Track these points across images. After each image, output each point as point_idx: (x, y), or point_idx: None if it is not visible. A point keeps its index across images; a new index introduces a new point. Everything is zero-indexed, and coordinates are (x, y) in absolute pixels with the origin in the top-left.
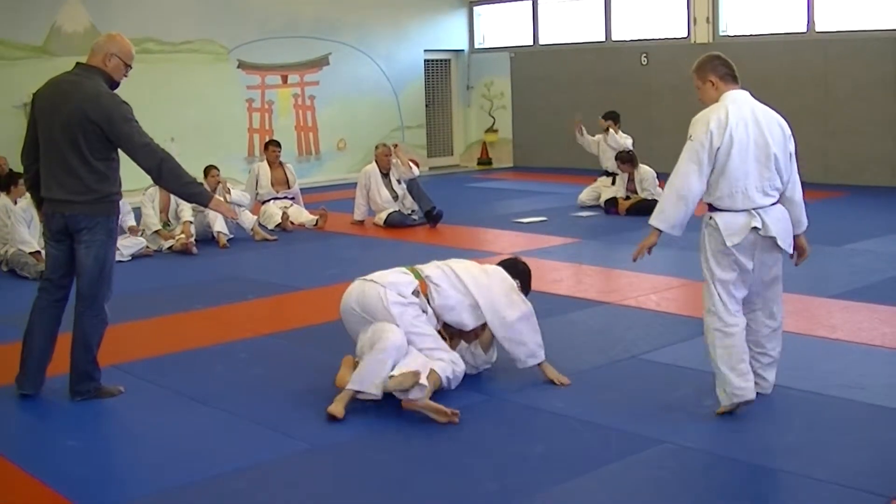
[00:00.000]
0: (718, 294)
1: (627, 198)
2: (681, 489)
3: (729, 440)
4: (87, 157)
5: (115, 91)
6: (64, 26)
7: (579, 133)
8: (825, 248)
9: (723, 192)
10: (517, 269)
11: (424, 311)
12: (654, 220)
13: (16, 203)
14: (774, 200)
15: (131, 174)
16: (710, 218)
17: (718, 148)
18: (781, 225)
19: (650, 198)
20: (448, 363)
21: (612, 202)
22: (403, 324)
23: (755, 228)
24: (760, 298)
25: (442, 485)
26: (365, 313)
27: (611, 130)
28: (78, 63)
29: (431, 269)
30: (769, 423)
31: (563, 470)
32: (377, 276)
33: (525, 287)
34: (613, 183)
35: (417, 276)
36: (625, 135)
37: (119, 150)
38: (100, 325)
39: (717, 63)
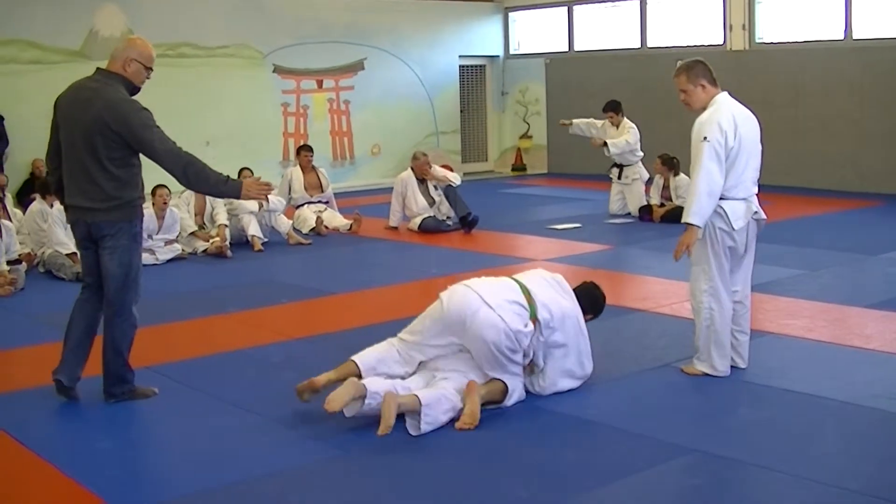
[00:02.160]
0: (718, 275)
1: (662, 205)
2: (712, 498)
3: (761, 449)
4: (106, 165)
5: (136, 96)
6: (101, 31)
7: (568, 124)
8: (860, 258)
9: (729, 183)
10: (596, 303)
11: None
12: (693, 217)
13: (52, 206)
14: (757, 188)
15: (160, 175)
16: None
17: (731, 147)
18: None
19: (685, 205)
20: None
21: (647, 209)
22: (499, 366)
23: (755, 213)
24: (741, 278)
25: (472, 491)
26: (461, 339)
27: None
28: (98, 69)
29: (543, 309)
30: (802, 433)
31: (593, 477)
32: (492, 297)
33: (594, 317)
34: (620, 177)
35: (531, 308)
36: (630, 123)
37: (142, 156)
38: (129, 330)
39: (704, 68)
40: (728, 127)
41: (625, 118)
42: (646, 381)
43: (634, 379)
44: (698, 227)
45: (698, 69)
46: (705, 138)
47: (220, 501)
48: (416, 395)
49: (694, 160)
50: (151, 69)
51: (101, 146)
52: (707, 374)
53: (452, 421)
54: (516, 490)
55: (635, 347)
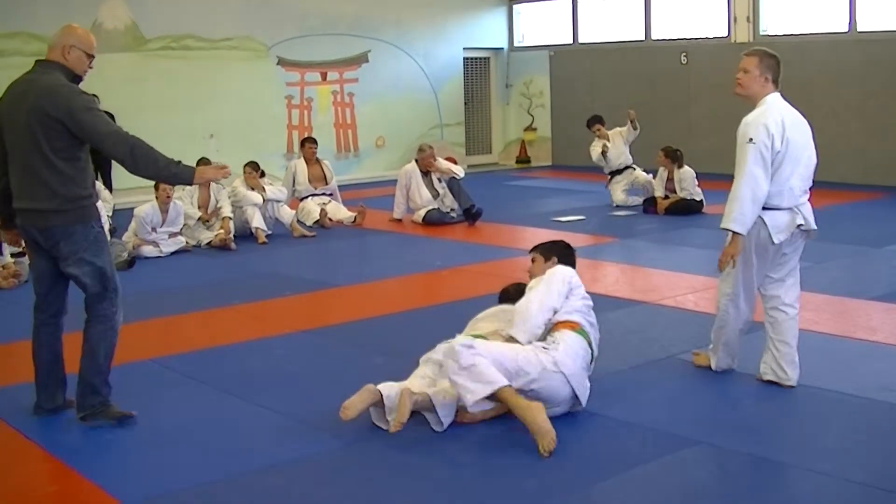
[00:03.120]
0: (744, 285)
1: (666, 197)
2: (717, 490)
3: (766, 441)
4: (51, 158)
5: (80, 85)
6: (105, 23)
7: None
8: (865, 250)
9: (772, 191)
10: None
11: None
12: (734, 224)
13: None
14: (808, 196)
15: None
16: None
17: (778, 151)
18: (812, 216)
19: (689, 198)
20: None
21: (651, 201)
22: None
23: (799, 225)
24: (783, 287)
25: (480, 483)
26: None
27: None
28: (37, 61)
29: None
30: (807, 425)
31: (600, 469)
32: (581, 380)
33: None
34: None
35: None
36: (605, 134)
37: (88, 149)
38: (107, 334)
39: (776, 64)
40: (775, 129)
41: (604, 130)
42: (651, 373)
43: (639, 371)
44: (742, 235)
45: (772, 62)
46: (751, 140)
47: (224, 493)
48: (429, 395)
49: (738, 163)
50: (93, 56)
51: (42, 138)
52: (708, 368)
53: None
54: (525, 482)
55: (640, 340)
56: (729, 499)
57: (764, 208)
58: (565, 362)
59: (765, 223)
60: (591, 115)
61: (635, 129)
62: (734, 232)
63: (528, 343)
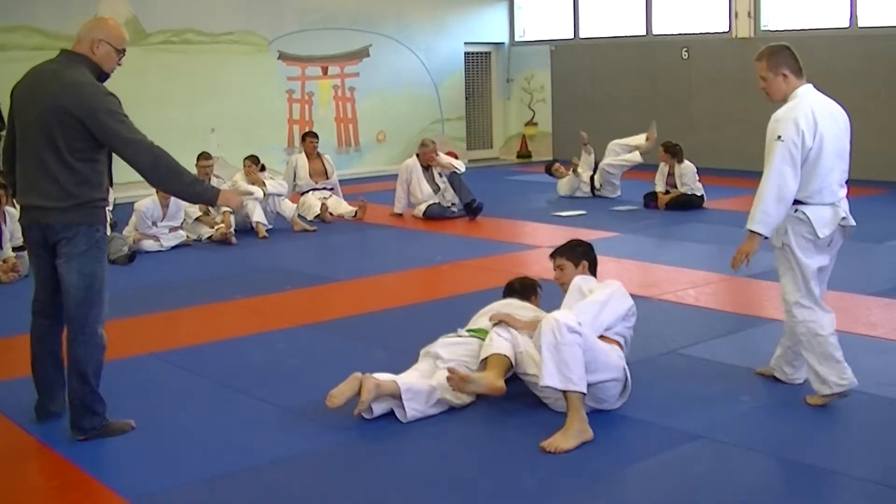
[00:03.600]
0: (806, 285)
1: (667, 192)
2: (717, 484)
3: (765, 436)
4: (66, 157)
5: (104, 83)
6: (105, 17)
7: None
8: (865, 245)
9: (813, 188)
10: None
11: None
12: (758, 225)
13: None
14: (846, 191)
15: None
16: (796, 210)
17: (810, 147)
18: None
19: (689, 193)
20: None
21: (652, 196)
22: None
23: (843, 219)
24: (819, 289)
25: (480, 478)
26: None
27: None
28: (63, 50)
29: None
30: (806, 420)
31: (600, 464)
32: None
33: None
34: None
35: None
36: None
37: (108, 152)
38: (94, 351)
39: (789, 55)
40: (806, 125)
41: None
42: (651, 368)
43: (640, 366)
44: (763, 236)
45: (781, 56)
46: (779, 137)
47: (225, 488)
48: (395, 380)
49: (766, 161)
50: (123, 53)
51: (60, 135)
52: (834, 395)
53: (452, 409)
54: (524, 477)
55: (640, 335)
56: (729, 494)
57: (806, 203)
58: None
59: (808, 218)
60: (546, 164)
61: (588, 153)
62: (756, 233)
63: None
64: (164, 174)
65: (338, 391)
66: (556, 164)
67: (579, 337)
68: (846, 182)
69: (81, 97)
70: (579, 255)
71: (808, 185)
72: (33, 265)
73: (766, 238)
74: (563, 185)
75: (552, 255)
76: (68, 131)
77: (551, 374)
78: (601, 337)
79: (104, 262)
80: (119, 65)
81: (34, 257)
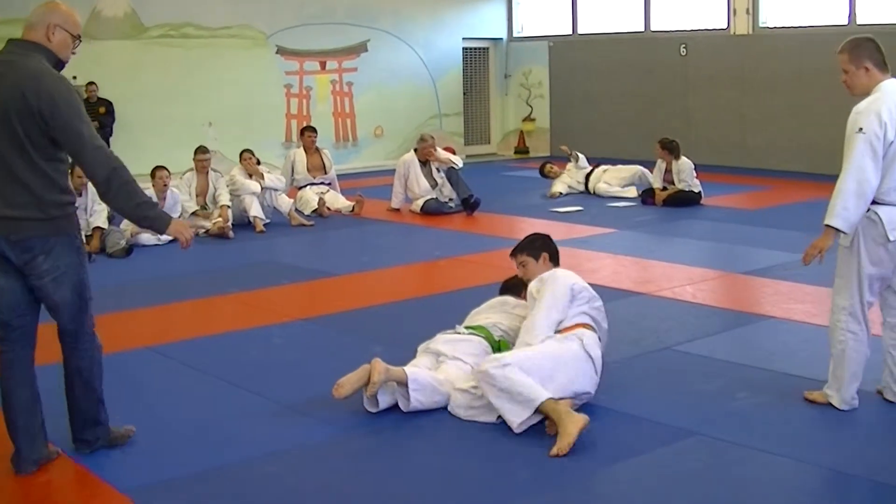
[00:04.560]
0: (860, 294)
1: (664, 188)
2: (712, 481)
3: (761, 433)
4: (32, 156)
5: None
6: (104, 10)
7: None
8: None
9: (889, 185)
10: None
11: None
12: (837, 220)
13: None
14: None
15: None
16: (868, 210)
17: (892, 142)
18: None
19: (687, 189)
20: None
21: (650, 192)
22: None
23: None
24: (894, 296)
25: (474, 472)
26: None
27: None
28: (11, 40)
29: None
30: (804, 417)
31: (594, 460)
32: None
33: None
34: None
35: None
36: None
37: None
38: (95, 355)
39: (874, 48)
40: (889, 119)
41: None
42: (647, 364)
43: (636, 362)
44: (842, 231)
45: (864, 49)
46: (860, 129)
47: (220, 481)
48: (405, 370)
49: (846, 154)
50: (79, 39)
51: (21, 130)
52: (831, 405)
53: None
54: (518, 472)
55: (636, 330)
56: (723, 491)
57: (879, 203)
58: (591, 345)
59: (879, 219)
60: (539, 166)
61: (576, 160)
62: (835, 228)
63: None
64: (116, 189)
65: (346, 380)
66: (549, 165)
67: (510, 366)
68: None
69: (43, 87)
70: (538, 248)
71: (884, 183)
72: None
73: (845, 234)
74: (558, 185)
75: (512, 254)
76: (29, 125)
77: (514, 412)
78: (568, 329)
79: (86, 263)
80: (74, 53)
81: (0, 276)
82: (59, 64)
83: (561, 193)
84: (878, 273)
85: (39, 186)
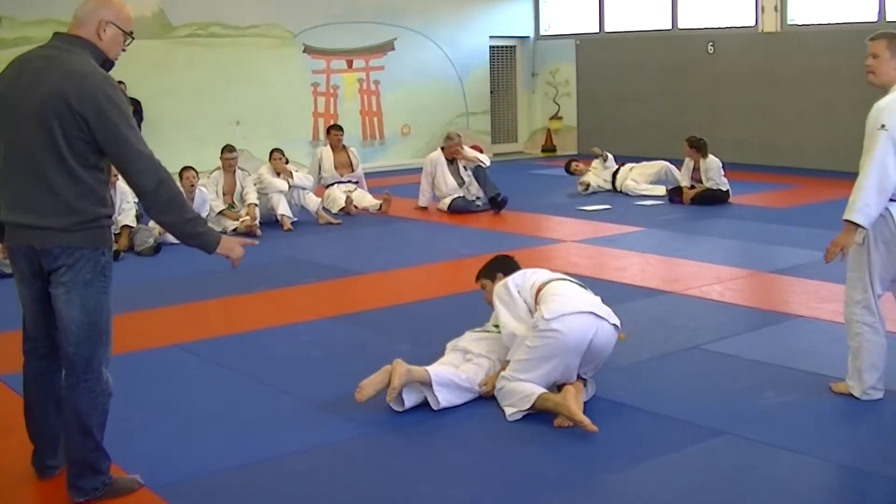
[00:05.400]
0: (872, 287)
1: (692, 187)
2: (740, 480)
3: (789, 432)
4: (69, 162)
5: (110, 73)
6: (132, 10)
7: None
8: None
9: None
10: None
11: None
12: (858, 215)
13: None
14: None
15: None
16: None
17: None
18: None
19: (715, 188)
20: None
21: (677, 191)
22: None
23: None
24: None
25: (502, 470)
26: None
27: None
28: (57, 33)
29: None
30: (832, 417)
31: (621, 458)
32: (597, 305)
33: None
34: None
35: None
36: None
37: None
38: (99, 400)
39: None
40: None
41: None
42: (675, 363)
43: (664, 361)
44: (862, 227)
45: None
46: (883, 126)
47: (248, 479)
48: (426, 369)
49: (867, 150)
50: (131, 37)
51: (59, 134)
52: (853, 396)
53: (478, 400)
54: (545, 470)
55: (664, 329)
56: (752, 490)
57: (891, 200)
58: (553, 308)
59: (891, 215)
60: (565, 163)
61: (605, 160)
62: (853, 223)
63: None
64: (164, 201)
65: (368, 381)
66: (574, 163)
67: (503, 379)
68: None
69: (87, 87)
70: (491, 270)
71: None
72: (23, 297)
73: (865, 229)
74: (588, 176)
75: (476, 279)
76: (69, 130)
77: (515, 408)
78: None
79: (110, 292)
80: (124, 51)
81: (25, 289)
82: (108, 63)
83: (590, 185)
84: (887, 268)
85: (74, 196)
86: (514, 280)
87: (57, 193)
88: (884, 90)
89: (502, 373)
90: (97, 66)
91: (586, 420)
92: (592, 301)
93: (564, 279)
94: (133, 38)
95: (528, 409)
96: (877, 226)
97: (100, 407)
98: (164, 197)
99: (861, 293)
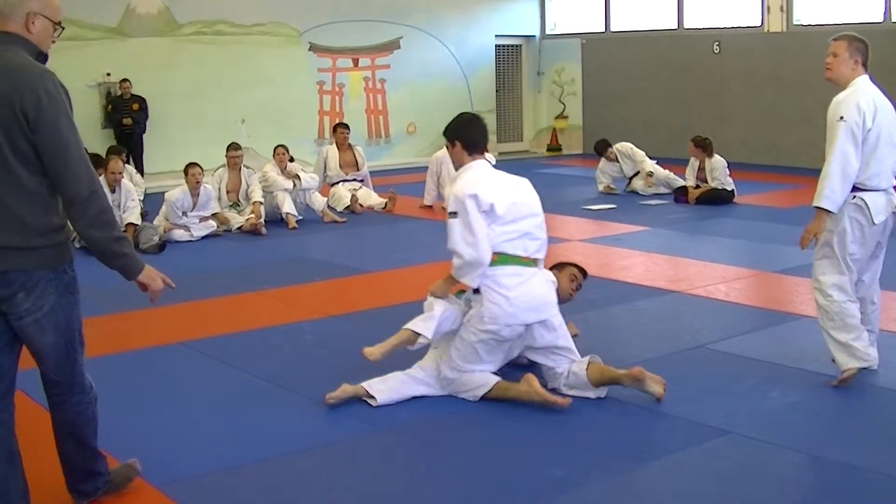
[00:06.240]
0: (848, 271)
1: (697, 186)
2: (744, 480)
3: (795, 432)
4: (15, 169)
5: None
6: (138, 8)
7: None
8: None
9: (872, 172)
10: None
11: None
12: (825, 201)
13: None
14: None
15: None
16: (854, 197)
17: (869, 129)
18: None
19: (720, 187)
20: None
21: (682, 191)
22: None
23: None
24: (870, 275)
25: (507, 469)
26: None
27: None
28: None
29: None
30: (838, 417)
31: (626, 458)
32: (541, 305)
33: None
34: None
35: None
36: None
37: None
38: (89, 408)
39: (864, 48)
40: (867, 108)
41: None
42: (680, 362)
43: (669, 360)
44: (830, 212)
45: (859, 45)
46: (842, 118)
47: (252, 476)
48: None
49: (829, 141)
50: (61, 27)
51: (2, 136)
52: (852, 375)
53: (483, 403)
54: (550, 469)
55: (669, 329)
56: (757, 490)
57: (863, 189)
58: (494, 314)
59: (866, 204)
60: (598, 141)
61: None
62: (823, 209)
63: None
64: (94, 214)
65: (378, 347)
66: (611, 149)
67: (451, 371)
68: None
69: (26, 83)
70: (454, 133)
71: (867, 169)
72: None
73: (833, 214)
74: (603, 179)
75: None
76: (12, 131)
77: (471, 395)
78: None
79: (78, 300)
80: (53, 42)
81: None
82: (41, 57)
83: (608, 187)
84: (860, 253)
85: (23, 208)
86: (476, 204)
87: (5, 207)
88: (839, 86)
89: (446, 363)
90: (33, 60)
91: (558, 399)
92: (535, 302)
93: (516, 259)
94: (63, 29)
95: (483, 396)
96: (853, 214)
97: (89, 415)
98: (94, 209)
99: (835, 277)
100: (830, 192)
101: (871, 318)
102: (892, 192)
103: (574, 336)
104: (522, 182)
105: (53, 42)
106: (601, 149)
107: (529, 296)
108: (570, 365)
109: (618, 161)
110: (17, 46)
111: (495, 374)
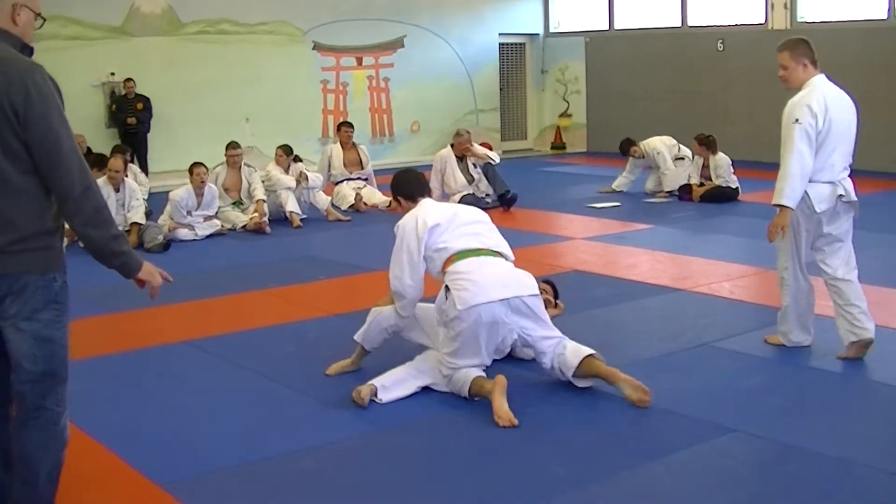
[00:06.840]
0: (798, 254)
1: (701, 184)
2: (749, 478)
3: (800, 430)
4: (6, 170)
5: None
6: (142, 7)
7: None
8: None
9: (815, 167)
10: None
11: None
12: (786, 199)
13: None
14: (849, 171)
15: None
16: None
17: (820, 130)
18: (853, 189)
19: (724, 185)
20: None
21: (686, 188)
22: None
23: (840, 196)
24: (841, 260)
25: (510, 469)
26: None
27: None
28: None
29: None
30: (842, 414)
31: (630, 456)
32: (506, 283)
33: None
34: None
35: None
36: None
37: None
38: (51, 444)
39: (808, 47)
40: (819, 109)
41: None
42: (684, 360)
43: (673, 358)
44: (791, 208)
45: (802, 48)
46: (797, 120)
47: (257, 475)
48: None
49: (784, 141)
50: (42, 18)
51: None
52: (783, 345)
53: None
54: (554, 468)
55: (673, 327)
56: (762, 488)
57: (808, 182)
58: (463, 298)
59: (807, 194)
60: (624, 140)
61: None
62: (786, 206)
63: (411, 312)
64: (91, 212)
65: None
66: (635, 146)
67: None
68: (850, 165)
69: (13, 77)
70: (397, 190)
71: (814, 164)
72: None
73: (793, 209)
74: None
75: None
76: (2, 129)
77: (458, 391)
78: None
79: (66, 322)
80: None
81: None
82: (26, 49)
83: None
84: (805, 238)
85: (15, 209)
86: (416, 234)
87: None
88: (798, 90)
89: (442, 364)
90: (19, 53)
91: (505, 417)
92: (501, 278)
93: (472, 251)
94: (44, 21)
95: (469, 393)
96: (798, 204)
97: (50, 453)
98: (89, 207)
99: (788, 260)
100: (791, 190)
101: (850, 295)
102: (840, 183)
103: (555, 315)
104: (467, 206)
105: (35, 30)
106: (626, 148)
107: (494, 274)
108: (558, 349)
109: (643, 157)
110: (2, 40)
111: (491, 371)
